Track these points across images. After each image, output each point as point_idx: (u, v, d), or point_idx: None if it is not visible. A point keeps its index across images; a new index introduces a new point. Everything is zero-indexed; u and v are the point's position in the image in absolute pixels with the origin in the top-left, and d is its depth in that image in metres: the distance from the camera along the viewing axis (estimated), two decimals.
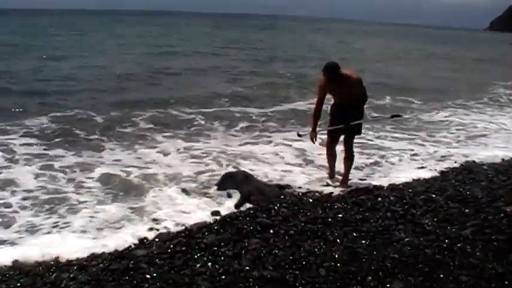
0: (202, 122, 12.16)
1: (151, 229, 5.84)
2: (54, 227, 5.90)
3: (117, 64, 22.85)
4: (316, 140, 7.23)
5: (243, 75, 21.27)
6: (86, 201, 6.67)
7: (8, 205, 6.47)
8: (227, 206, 6.60)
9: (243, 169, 8.07)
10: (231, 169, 8.17)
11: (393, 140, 11.10)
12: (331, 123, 7.33)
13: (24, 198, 6.69)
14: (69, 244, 5.41)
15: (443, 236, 5.27)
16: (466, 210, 6.14)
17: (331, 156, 7.62)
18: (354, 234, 5.42)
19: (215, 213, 6.26)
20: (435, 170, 8.51)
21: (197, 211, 6.43)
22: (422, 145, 10.74)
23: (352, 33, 74.47)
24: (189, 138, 10.52)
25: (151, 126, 11.51)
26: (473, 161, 9.15)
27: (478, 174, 8.01)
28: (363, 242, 5.20)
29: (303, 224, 5.69)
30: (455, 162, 9.08)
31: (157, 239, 5.51)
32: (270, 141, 10.48)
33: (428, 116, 14.51)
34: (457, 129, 12.81)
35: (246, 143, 10.35)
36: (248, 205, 6.56)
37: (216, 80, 19.41)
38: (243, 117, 13.03)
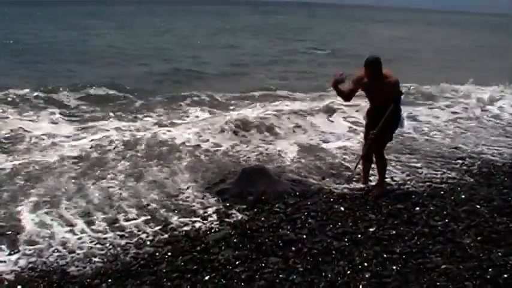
0: None
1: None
2: None
3: None
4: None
5: None
6: None
7: None
8: (242, 209, 6.15)
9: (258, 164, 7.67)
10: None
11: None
12: (366, 126, 6.62)
13: None
14: None
15: (487, 263, 4.48)
16: None
17: (366, 162, 6.83)
18: (385, 255, 4.72)
19: (234, 223, 5.66)
20: (480, 171, 7.66)
21: (214, 215, 5.99)
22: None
23: (391, 22, 69.15)
24: None
25: None
26: None
27: None
28: (393, 267, 4.49)
29: (329, 241, 5.03)
30: (503, 164, 8.14)
31: (169, 254, 4.98)
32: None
33: None
34: None
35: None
36: (275, 208, 6.05)
37: None
38: None
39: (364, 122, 6.81)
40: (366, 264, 4.56)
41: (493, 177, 7.34)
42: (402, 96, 6.31)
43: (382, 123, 6.13)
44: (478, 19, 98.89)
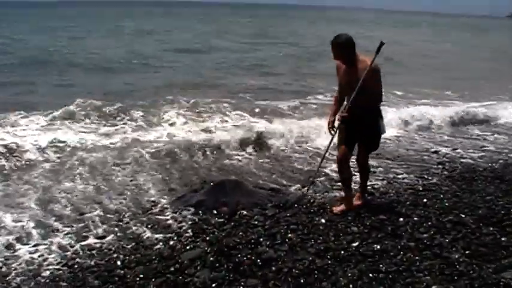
0: None
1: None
2: None
3: None
4: (333, 129, 5.74)
5: None
6: None
7: None
8: (217, 220, 5.81)
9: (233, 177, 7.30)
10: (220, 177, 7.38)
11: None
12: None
13: None
14: None
15: (478, 282, 4.19)
16: (503, 239, 5.06)
17: (343, 172, 5.88)
18: (370, 275, 4.39)
19: (211, 239, 5.25)
20: (462, 176, 7.42)
21: (189, 231, 5.57)
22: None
23: (379, 24, 70.10)
24: None
25: None
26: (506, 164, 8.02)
27: None
28: None
29: (311, 259, 4.69)
30: (484, 169, 7.93)
31: (141, 276, 4.57)
32: None
33: None
34: None
35: None
36: (253, 221, 5.68)
37: None
38: None
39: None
40: (351, 286, 4.22)
41: (475, 182, 7.10)
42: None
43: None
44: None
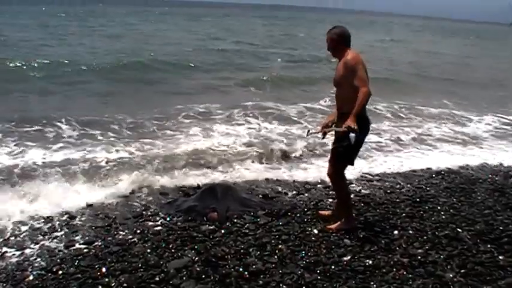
0: None
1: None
2: None
3: None
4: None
5: None
6: None
7: None
8: (207, 227, 5.55)
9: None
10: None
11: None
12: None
13: None
14: None
15: None
16: (500, 258, 4.82)
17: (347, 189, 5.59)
18: None
19: (199, 248, 5.01)
20: (460, 187, 7.17)
21: (178, 240, 5.25)
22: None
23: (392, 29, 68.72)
24: None
25: None
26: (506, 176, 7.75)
27: None
28: None
29: (299, 273, 4.47)
30: (484, 180, 7.67)
31: (125, 285, 4.35)
32: None
33: None
34: None
35: None
36: (244, 230, 5.45)
37: None
38: None
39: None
40: None
41: (474, 194, 6.84)
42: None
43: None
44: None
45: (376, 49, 31.19)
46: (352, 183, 7.00)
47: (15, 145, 8.34)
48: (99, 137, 9.20)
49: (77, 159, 7.86)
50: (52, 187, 6.50)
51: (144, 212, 6.03)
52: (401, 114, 12.98)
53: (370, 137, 8.63)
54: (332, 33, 5.11)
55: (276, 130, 10.33)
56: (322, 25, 45.56)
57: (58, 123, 9.78)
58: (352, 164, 5.20)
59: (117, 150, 8.40)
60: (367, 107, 4.98)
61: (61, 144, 8.61)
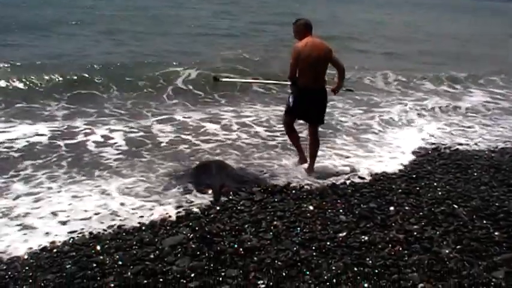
0: None
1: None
2: None
3: None
4: None
5: None
6: None
7: None
8: (202, 204, 5.49)
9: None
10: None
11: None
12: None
13: None
14: None
15: (468, 280, 3.87)
16: (496, 234, 4.72)
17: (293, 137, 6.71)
18: (355, 269, 4.07)
19: (194, 225, 4.90)
20: (456, 164, 7.05)
21: (172, 214, 5.23)
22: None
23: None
24: None
25: None
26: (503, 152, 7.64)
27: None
28: (366, 285, 3.85)
29: (295, 249, 4.37)
30: (480, 157, 7.54)
31: (120, 263, 4.25)
32: None
33: None
34: None
35: None
36: (240, 207, 5.34)
37: None
38: None
39: None
40: (334, 280, 3.90)
41: (470, 171, 6.73)
42: None
43: None
44: None
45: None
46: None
47: None
48: None
49: None
50: None
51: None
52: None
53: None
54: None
55: None
56: None
57: None
58: (296, 118, 6.53)
59: None
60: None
61: None
